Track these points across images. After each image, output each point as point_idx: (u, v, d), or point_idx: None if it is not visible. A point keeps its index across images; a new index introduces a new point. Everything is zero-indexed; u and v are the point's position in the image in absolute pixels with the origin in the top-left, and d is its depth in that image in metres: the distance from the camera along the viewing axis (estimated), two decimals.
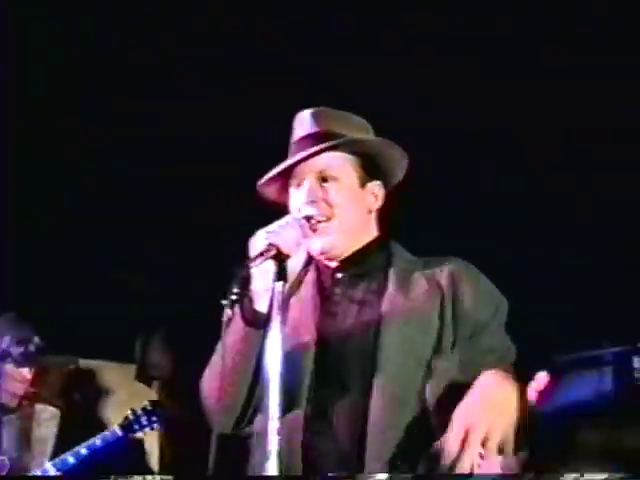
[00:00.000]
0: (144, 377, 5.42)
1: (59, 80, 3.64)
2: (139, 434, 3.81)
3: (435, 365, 1.88)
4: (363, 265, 2.03)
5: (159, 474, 4.54)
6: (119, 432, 3.76)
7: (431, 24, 3.34)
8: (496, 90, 3.63)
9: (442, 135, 3.79)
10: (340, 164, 2.04)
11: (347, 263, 2.05)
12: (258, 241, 1.85)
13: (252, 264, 1.82)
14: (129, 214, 4.50)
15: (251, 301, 1.92)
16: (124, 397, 5.43)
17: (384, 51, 3.47)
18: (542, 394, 3.92)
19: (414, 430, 1.84)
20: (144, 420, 3.82)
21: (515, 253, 3.75)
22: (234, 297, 1.78)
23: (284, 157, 2.06)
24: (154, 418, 3.85)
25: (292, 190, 2.05)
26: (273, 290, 1.82)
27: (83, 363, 5.38)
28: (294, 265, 1.90)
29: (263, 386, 1.77)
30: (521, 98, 3.65)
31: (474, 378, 1.84)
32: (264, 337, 1.83)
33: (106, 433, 3.73)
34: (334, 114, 2.09)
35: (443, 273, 1.96)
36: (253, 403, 1.89)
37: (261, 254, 1.84)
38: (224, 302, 1.79)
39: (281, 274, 1.85)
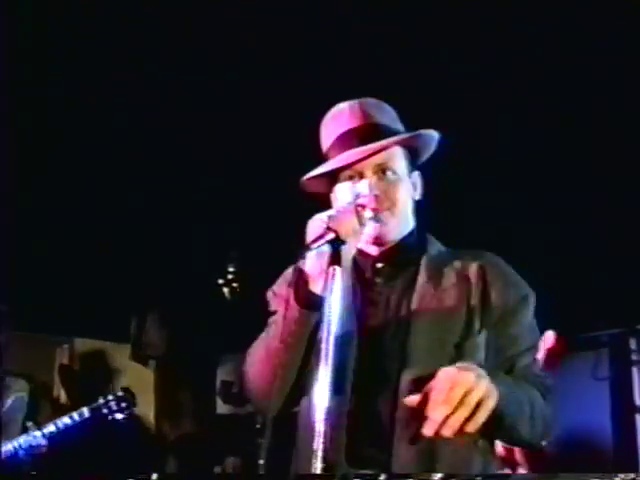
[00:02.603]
0: (139, 356, 5.42)
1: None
2: (110, 418, 3.99)
3: (463, 345, 1.90)
4: (403, 255, 2.04)
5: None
6: (87, 413, 3.93)
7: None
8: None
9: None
10: (396, 157, 2.06)
11: (388, 253, 2.05)
12: (317, 224, 1.85)
13: (311, 246, 1.82)
14: (128, 193, 4.48)
15: (306, 283, 1.92)
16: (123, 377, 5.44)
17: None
18: (550, 353, 3.93)
19: None
20: (114, 405, 3.99)
21: (513, 238, 3.73)
22: (230, 277, 1.77)
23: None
24: (124, 404, 4.01)
25: (345, 182, 2.05)
26: (327, 274, 1.82)
27: (78, 342, 5.38)
28: (347, 251, 1.88)
29: (314, 369, 1.78)
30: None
31: (501, 364, 1.90)
32: (317, 320, 1.84)
33: (74, 413, 3.91)
34: (372, 105, 2.10)
35: (472, 265, 1.98)
36: (301, 385, 1.91)
37: (320, 237, 1.83)
38: (221, 281, 1.78)
39: (336, 258, 1.83)
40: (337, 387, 1.88)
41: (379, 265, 2.04)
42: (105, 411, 3.99)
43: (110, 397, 4.01)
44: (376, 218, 1.96)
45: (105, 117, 3.95)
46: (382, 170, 2.03)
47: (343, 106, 2.09)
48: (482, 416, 1.65)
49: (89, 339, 5.47)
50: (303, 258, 1.81)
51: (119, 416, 4.01)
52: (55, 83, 3.65)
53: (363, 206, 1.94)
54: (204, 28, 3.46)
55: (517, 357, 1.91)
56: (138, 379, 5.42)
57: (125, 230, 4.66)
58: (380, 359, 1.92)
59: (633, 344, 5.14)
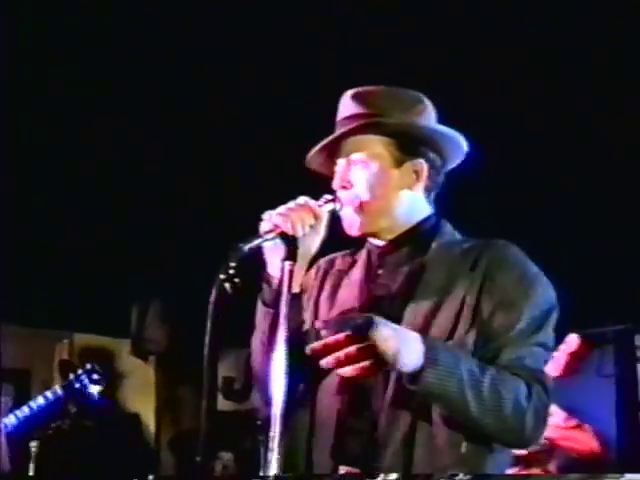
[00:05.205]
0: (140, 352, 5.39)
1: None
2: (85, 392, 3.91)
3: (448, 341, 1.83)
4: (409, 246, 1.97)
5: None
6: (60, 391, 3.85)
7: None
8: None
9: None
10: (369, 146, 1.93)
11: (394, 244, 1.99)
12: (264, 222, 1.81)
13: (249, 245, 1.78)
14: (128, 189, 4.47)
15: (267, 282, 1.89)
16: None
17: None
18: (572, 357, 3.86)
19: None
20: (85, 379, 3.92)
21: (518, 234, 3.69)
22: (231, 272, 1.73)
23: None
24: (95, 377, 3.93)
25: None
26: (282, 270, 1.79)
27: (78, 337, 5.36)
28: (309, 246, 1.88)
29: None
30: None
31: (482, 355, 1.80)
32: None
33: (47, 393, 3.84)
34: (379, 92, 1.95)
35: (476, 256, 1.89)
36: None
37: (261, 235, 1.81)
38: (221, 277, 1.74)
39: (290, 254, 1.81)
40: (332, 383, 1.86)
41: (386, 257, 1.99)
42: (78, 386, 3.92)
43: (80, 371, 3.95)
44: (338, 208, 1.92)
45: (108, 113, 3.93)
46: (351, 159, 1.96)
47: (348, 92, 2.01)
48: (366, 363, 1.64)
49: (89, 334, 5.44)
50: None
51: (94, 389, 3.94)
52: (54, 83, 3.64)
53: (334, 200, 1.91)
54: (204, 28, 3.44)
55: (504, 347, 1.79)
56: (138, 375, 5.40)
57: (125, 225, 4.64)
58: None
59: (638, 341, 5.11)
